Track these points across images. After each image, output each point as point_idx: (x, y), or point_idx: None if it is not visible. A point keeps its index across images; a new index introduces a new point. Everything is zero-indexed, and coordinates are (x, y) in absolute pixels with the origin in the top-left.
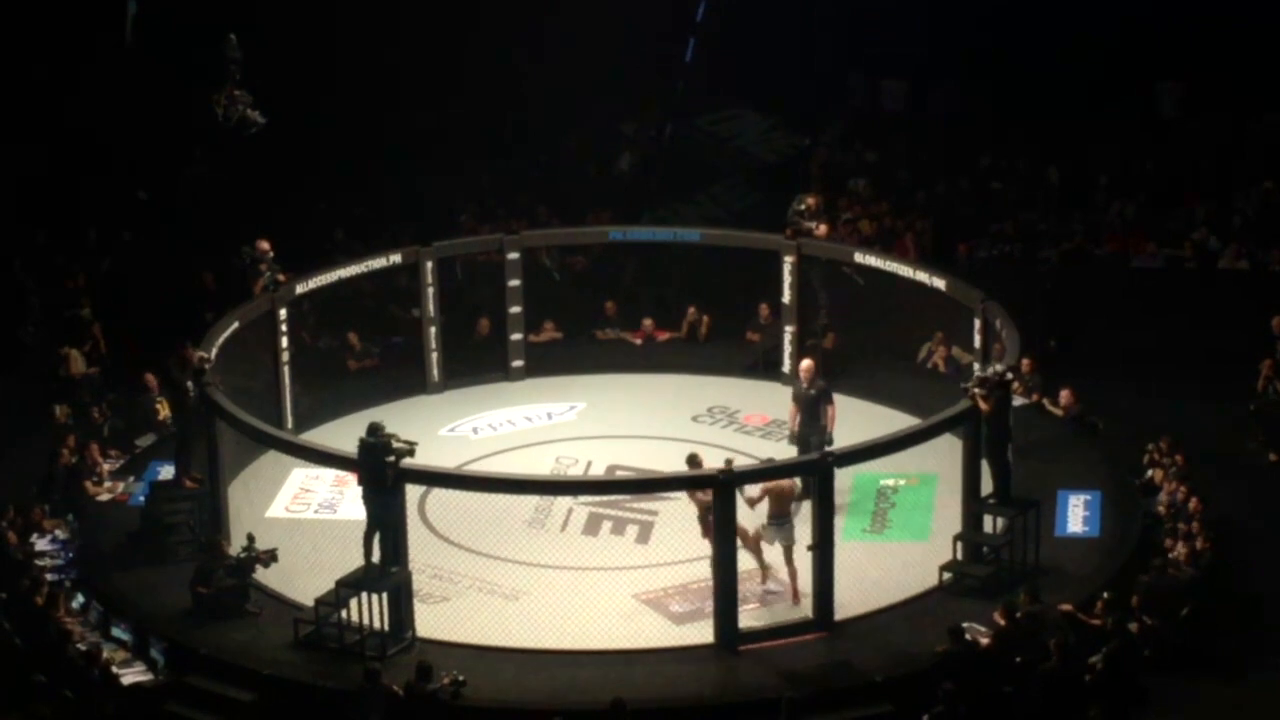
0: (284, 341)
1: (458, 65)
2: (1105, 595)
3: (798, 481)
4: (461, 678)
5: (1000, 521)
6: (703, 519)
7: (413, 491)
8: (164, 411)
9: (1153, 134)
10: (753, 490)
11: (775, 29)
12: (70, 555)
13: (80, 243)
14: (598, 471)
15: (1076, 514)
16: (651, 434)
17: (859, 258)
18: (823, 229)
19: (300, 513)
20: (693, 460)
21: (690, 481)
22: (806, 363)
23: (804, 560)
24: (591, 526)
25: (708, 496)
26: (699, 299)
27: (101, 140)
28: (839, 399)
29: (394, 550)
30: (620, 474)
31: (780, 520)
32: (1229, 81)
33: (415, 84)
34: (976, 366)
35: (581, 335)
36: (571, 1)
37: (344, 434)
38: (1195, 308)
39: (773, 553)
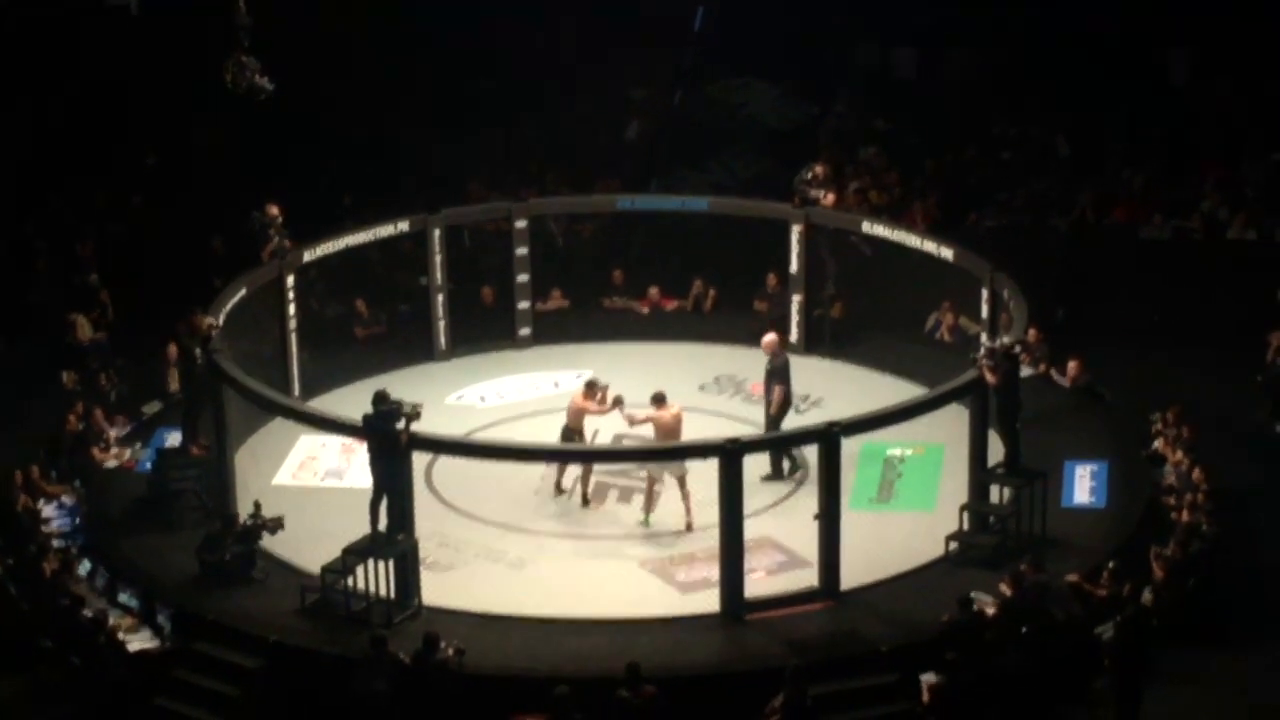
0: (291, 308)
1: (471, 33)
2: (1110, 565)
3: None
4: (463, 647)
5: (1007, 492)
6: (574, 426)
7: (420, 459)
8: (175, 384)
9: (1163, 102)
10: (636, 413)
11: None
12: (77, 522)
13: (89, 207)
14: (604, 440)
15: (1083, 484)
16: None
17: (867, 227)
18: (829, 198)
19: (307, 480)
20: (592, 385)
21: (696, 451)
22: (769, 337)
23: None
24: (598, 495)
25: (583, 404)
26: (706, 268)
27: (111, 104)
28: (847, 368)
29: (401, 518)
30: (627, 442)
31: None
32: (1240, 49)
33: (428, 52)
34: (984, 337)
35: (589, 304)
36: None
37: (351, 401)
38: (1204, 278)
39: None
